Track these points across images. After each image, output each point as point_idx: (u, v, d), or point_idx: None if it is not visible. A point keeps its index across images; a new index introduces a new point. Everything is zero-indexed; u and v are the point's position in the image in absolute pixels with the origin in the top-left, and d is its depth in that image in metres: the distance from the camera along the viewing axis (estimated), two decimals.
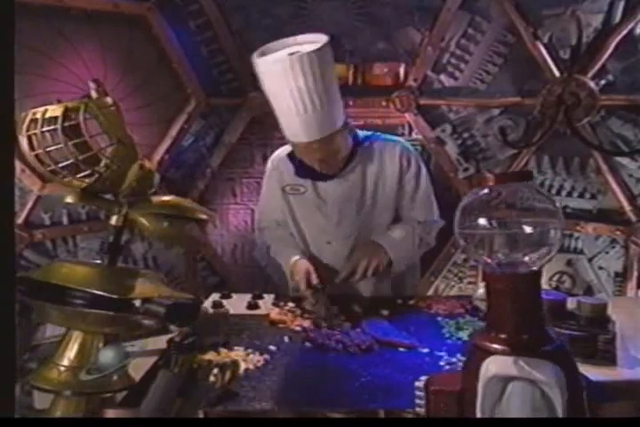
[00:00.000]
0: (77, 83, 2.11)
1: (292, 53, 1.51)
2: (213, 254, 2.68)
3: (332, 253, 1.82)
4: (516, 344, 0.77)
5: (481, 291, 1.49)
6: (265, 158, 2.58)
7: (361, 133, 1.81)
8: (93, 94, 0.85)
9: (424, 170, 1.84)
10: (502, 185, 0.85)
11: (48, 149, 0.81)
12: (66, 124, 0.80)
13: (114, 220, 0.85)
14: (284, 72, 1.48)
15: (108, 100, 0.85)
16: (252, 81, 2.47)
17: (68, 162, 0.81)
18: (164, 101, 2.42)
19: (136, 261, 2.45)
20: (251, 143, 2.60)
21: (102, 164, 0.82)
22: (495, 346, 0.79)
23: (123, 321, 0.79)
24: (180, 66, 2.40)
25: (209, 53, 2.47)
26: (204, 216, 0.91)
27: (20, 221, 2.14)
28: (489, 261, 0.84)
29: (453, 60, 2.45)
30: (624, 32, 2.19)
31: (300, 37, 1.58)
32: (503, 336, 0.79)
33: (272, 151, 2.55)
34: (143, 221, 0.85)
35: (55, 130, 0.80)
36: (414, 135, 2.54)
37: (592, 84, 2.25)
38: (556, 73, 2.30)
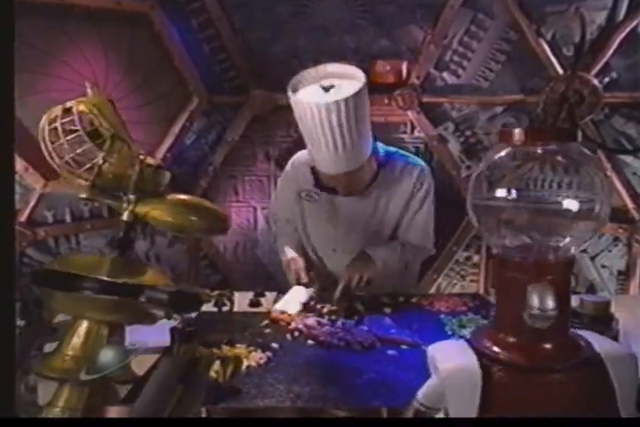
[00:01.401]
0: (79, 80, 2.11)
1: (326, 88, 1.52)
2: (215, 252, 2.68)
3: (335, 260, 1.86)
4: (533, 356, 0.67)
5: None
6: (267, 156, 2.60)
7: (382, 150, 1.79)
8: (89, 93, 0.90)
9: (431, 197, 1.84)
10: (535, 144, 0.67)
11: (54, 146, 0.86)
12: (65, 120, 0.85)
13: (125, 216, 0.88)
14: (320, 114, 1.48)
15: (102, 97, 0.90)
16: (255, 79, 2.50)
17: (69, 157, 0.85)
18: (166, 99, 2.42)
19: (139, 258, 2.46)
20: (253, 141, 2.60)
21: (99, 157, 0.85)
22: (505, 354, 0.68)
23: (128, 308, 0.81)
24: (182, 64, 2.40)
25: (211, 51, 2.47)
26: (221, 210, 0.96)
27: (22, 218, 2.14)
28: (508, 244, 0.69)
29: (456, 58, 2.45)
30: (628, 29, 2.19)
31: (331, 67, 1.57)
32: (514, 341, 0.68)
33: (274, 149, 2.59)
34: (154, 213, 0.88)
35: (55, 128, 0.85)
36: (416, 133, 2.54)
37: (595, 81, 2.24)
38: (560, 70, 2.30)
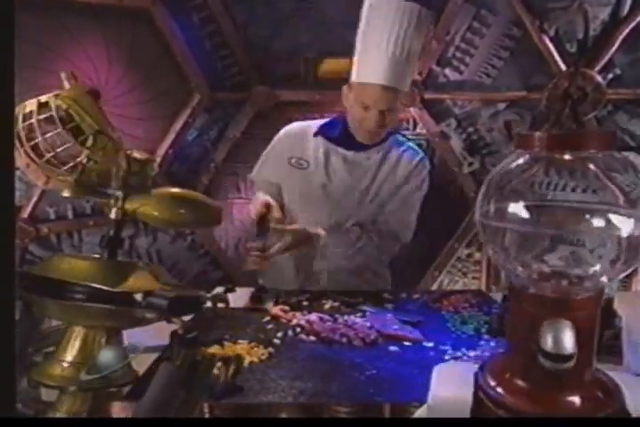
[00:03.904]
0: (81, 76, 2.10)
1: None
2: (217, 249, 2.68)
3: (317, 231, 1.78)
4: (541, 404, 0.57)
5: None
6: None
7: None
8: (66, 85, 0.84)
9: (423, 191, 1.84)
10: (563, 152, 0.54)
11: (31, 144, 0.81)
12: (41, 117, 0.80)
13: (112, 213, 0.84)
14: (395, 13, 1.56)
15: (81, 89, 0.84)
16: (256, 75, 2.49)
17: (49, 156, 0.81)
18: (168, 96, 2.42)
19: (140, 255, 2.46)
20: (255, 138, 2.59)
21: (83, 155, 0.81)
22: (508, 398, 0.58)
23: (124, 315, 0.78)
24: (184, 60, 2.40)
25: (213, 47, 2.46)
26: (212, 202, 0.91)
27: (25, 215, 2.15)
28: (521, 272, 0.57)
29: (458, 54, 2.44)
30: (632, 25, 2.18)
31: None
32: (522, 384, 0.58)
33: None
34: (143, 209, 0.83)
35: (31, 124, 0.80)
36: (419, 130, 2.53)
37: (599, 77, 2.23)
38: (563, 67, 2.29)
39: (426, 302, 1.69)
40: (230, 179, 2.64)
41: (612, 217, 0.55)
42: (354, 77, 1.69)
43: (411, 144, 1.88)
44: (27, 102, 0.82)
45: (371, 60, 1.62)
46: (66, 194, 0.84)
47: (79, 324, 0.80)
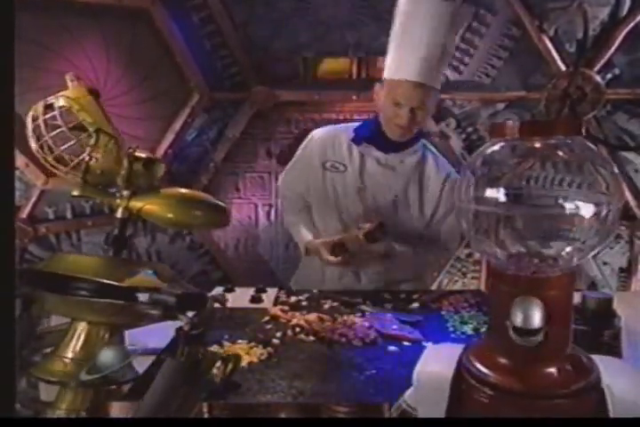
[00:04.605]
0: (80, 76, 2.11)
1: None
2: (217, 249, 2.68)
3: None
4: (518, 378, 0.61)
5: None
6: (268, 153, 2.59)
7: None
8: (69, 86, 0.86)
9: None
10: (533, 139, 0.59)
11: (39, 143, 0.83)
12: (47, 116, 0.82)
13: (119, 212, 0.85)
14: (434, 11, 1.56)
15: (84, 89, 0.87)
16: (256, 75, 2.49)
17: (55, 154, 0.83)
18: (167, 95, 2.42)
19: (140, 255, 2.46)
20: (254, 138, 2.59)
21: (85, 153, 0.82)
22: (485, 372, 0.62)
23: (129, 311, 0.79)
24: (184, 60, 2.40)
25: (212, 47, 2.46)
26: (221, 203, 0.92)
27: (24, 215, 2.15)
28: (499, 253, 0.62)
29: (458, 54, 2.44)
30: (631, 25, 2.18)
31: None
32: (500, 360, 0.62)
33: (275, 146, 2.58)
34: (149, 208, 0.85)
35: (38, 126, 0.83)
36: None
37: (598, 77, 2.23)
38: (562, 67, 2.29)
39: (425, 302, 1.69)
40: (229, 179, 2.64)
41: (579, 202, 0.59)
42: (386, 74, 1.68)
43: (440, 156, 1.86)
44: (36, 105, 0.85)
45: (404, 57, 1.62)
46: (75, 193, 0.85)
47: (83, 319, 0.81)
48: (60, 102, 0.84)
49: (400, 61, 1.64)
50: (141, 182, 0.85)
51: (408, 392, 0.77)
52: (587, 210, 0.59)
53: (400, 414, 0.78)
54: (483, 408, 0.63)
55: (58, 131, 0.82)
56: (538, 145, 0.60)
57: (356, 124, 1.85)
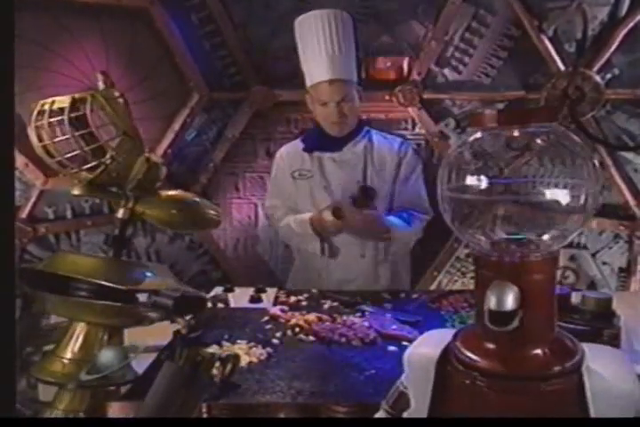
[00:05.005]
0: (79, 76, 2.11)
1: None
2: (216, 249, 2.68)
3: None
4: (511, 362, 0.62)
5: None
6: (268, 153, 2.59)
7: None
8: (100, 86, 0.84)
9: (419, 168, 2.03)
10: (511, 127, 0.61)
11: (55, 140, 0.81)
12: (73, 114, 0.80)
13: (120, 213, 0.85)
14: (321, 20, 1.86)
15: (115, 91, 0.85)
16: (255, 75, 2.49)
17: (74, 153, 0.81)
18: (167, 95, 2.42)
19: (139, 255, 2.46)
20: (254, 137, 2.59)
21: (108, 155, 0.81)
22: (478, 360, 0.64)
23: (128, 313, 0.79)
24: (183, 60, 2.39)
25: (211, 47, 2.46)
26: (213, 212, 0.93)
27: (23, 215, 2.14)
28: (483, 239, 0.64)
29: (457, 54, 2.44)
30: (630, 25, 2.18)
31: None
32: (490, 347, 0.64)
33: (275, 145, 2.58)
34: (152, 211, 0.85)
35: (62, 121, 0.80)
36: (417, 129, 2.53)
37: (597, 77, 2.23)
38: (561, 67, 2.29)
39: (425, 302, 1.69)
40: (229, 178, 2.64)
41: (557, 189, 0.62)
42: (307, 83, 1.94)
43: (385, 134, 2.07)
44: (56, 98, 0.82)
45: (312, 63, 1.89)
46: (76, 192, 0.84)
47: (83, 320, 0.80)
48: (92, 102, 0.82)
49: (311, 68, 1.91)
50: (148, 185, 0.86)
51: (404, 374, 0.81)
52: (564, 196, 0.61)
53: (397, 395, 0.81)
54: (466, 390, 0.65)
55: (84, 131, 0.81)
56: (516, 133, 0.63)
57: (302, 135, 2.12)
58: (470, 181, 0.62)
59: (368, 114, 2.45)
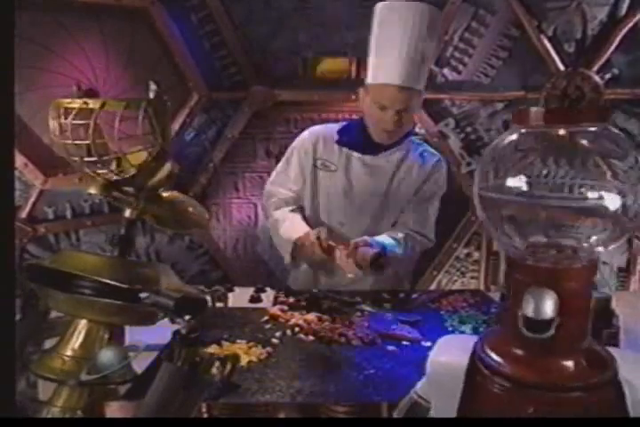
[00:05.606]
0: (79, 76, 2.11)
1: None
2: (216, 249, 2.68)
3: (339, 234, 1.83)
4: (548, 372, 0.59)
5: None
6: (267, 153, 2.59)
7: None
8: (151, 95, 0.87)
9: (442, 191, 1.88)
10: (557, 126, 0.58)
11: (98, 141, 0.81)
12: (126, 115, 0.81)
13: (128, 213, 0.85)
14: (407, 14, 1.60)
15: (163, 98, 0.87)
16: (255, 75, 2.49)
17: (111, 157, 0.81)
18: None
19: (139, 255, 2.46)
20: (253, 137, 2.59)
21: (143, 160, 0.83)
22: (498, 363, 0.61)
23: (130, 312, 0.79)
24: (182, 59, 2.39)
25: (211, 47, 2.46)
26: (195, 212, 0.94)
27: (23, 215, 2.14)
28: (519, 244, 0.60)
29: (457, 54, 2.44)
30: (630, 25, 2.18)
31: None
32: (514, 351, 0.61)
33: (274, 146, 2.58)
34: (157, 212, 0.87)
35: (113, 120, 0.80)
36: (417, 129, 2.53)
37: (597, 77, 2.24)
38: (561, 67, 2.29)
39: (424, 302, 1.69)
40: (229, 178, 2.64)
41: (603, 192, 0.58)
42: (369, 79, 1.71)
43: (427, 147, 1.91)
44: (89, 100, 0.82)
45: (386, 62, 1.64)
46: (92, 191, 0.84)
47: (84, 318, 0.81)
48: (146, 109, 0.83)
49: (381, 66, 1.66)
50: (160, 186, 0.88)
51: (420, 384, 0.77)
52: (611, 200, 0.58)
53: (411, 406, 0.77)
54: (496, 399, 0.63)
55: (140, 134, 0.81)
56: (562, 133, 0.59)
57: (341, 125, 1.88)
58: (510, 182, 0.59)
59: None
